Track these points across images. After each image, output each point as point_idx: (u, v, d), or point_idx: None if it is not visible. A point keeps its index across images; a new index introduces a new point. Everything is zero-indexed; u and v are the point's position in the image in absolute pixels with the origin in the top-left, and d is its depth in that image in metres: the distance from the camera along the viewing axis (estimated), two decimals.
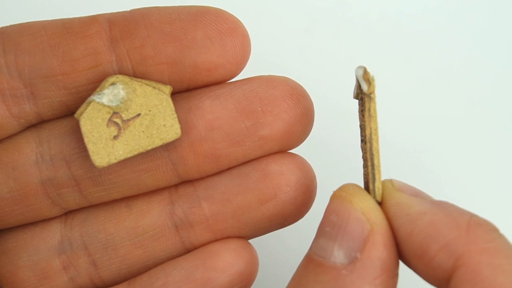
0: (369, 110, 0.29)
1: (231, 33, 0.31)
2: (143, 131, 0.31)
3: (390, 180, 0.30)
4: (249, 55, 0.32)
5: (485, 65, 0.48)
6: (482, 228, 0.26)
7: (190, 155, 0.32)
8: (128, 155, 0.31)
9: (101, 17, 0.31)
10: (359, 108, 0.30)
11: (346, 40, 0.47)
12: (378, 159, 0.30)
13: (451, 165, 0.47)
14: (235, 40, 0.31)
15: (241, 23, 0.31)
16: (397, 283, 0.28)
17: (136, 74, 0.30)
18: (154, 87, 0.30)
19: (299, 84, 0.32)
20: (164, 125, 0.30)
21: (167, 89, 0.30)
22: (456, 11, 0.48)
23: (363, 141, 0.30)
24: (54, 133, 0.32)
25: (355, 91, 0.29)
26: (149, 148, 0.31)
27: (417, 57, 0.47)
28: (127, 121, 0.30)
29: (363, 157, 0.30)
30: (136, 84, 0.30)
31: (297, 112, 0.32)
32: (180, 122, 0.31)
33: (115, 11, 0.31)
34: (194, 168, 0.32)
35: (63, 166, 0.32)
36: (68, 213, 0.34)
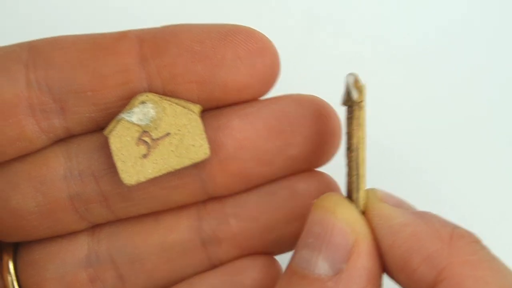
0: (358, 118, 0.29)
1: (261, 53, 0.30)
2: (172, 151, 0.30)
3: (373, 190, 0.29)
4: (279, 75, 0.31)
5: (485, 67, 0.48)
6: (464, 240, 0.26)
7: (219, 173, 0.32)
8: (157, 174, 0.31)
9: (131, 34, 0.31)
10: (346, 115, 0.29)
11: (346, 41, 0.47)
12: (364, 169, 0.29)
13: (446, 169, 0.47)
14: (265, 60, 0.30)
15: (271, 42, 0.31)
16: None
17: (166, 92, 0.30)
18: (184, 107, 0.30)
19: (327, 103, 0.32)
20: (193, 145, 0.30)
21: (197, 108, 0.30)
22: (455, 12, 0.48)
23: (349, 149, 0.29)
24: (83, 148, 0.32)
25: (344, 98, 0.29)
26: (178, 167, 0.31)
27: (417, 57, 0.47)
28: (157, 140, 0.30)
29: (347, 165, 0.29)
30: (166, 103, 0.30)
31: (326, 131, 0.31)
32: (209, 141, 0.31)
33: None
34: (223, 186, 0.32)
35: (91, 182, 0.32)
36: (95, 227, 0.34)
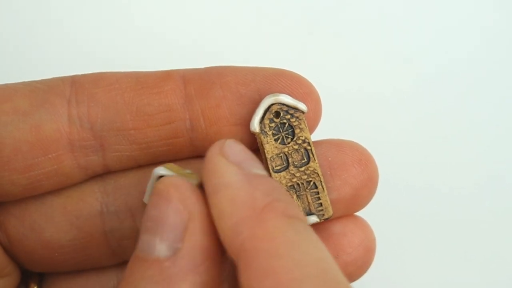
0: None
1: (305, 97, 0.31)
2: None
3: (224, 141, 0.26)
4: (321, 119, 0.32)
5: (485, 68, 0.48)
6: (275, 212, 0.24)
7: None
8: None
9: (176, 73, 0.31)
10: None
11: (346, 41, 0.47)
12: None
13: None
14: (309, 105, 0.31)
15: (314, 87, 0.31)
16: (228, 269, 0.28)
17: (209, 134, 0.31)
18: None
19: (366, 149, 0.32)
20: None
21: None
22: (454, 13, 0.49)
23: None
24: (119, 185, 0.32)
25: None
26: None
27: (416, 57, 0.47)
28: None
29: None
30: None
31: (364, 177, 0.32)
32: None
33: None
34: None
35: (127, 218, 0.32)
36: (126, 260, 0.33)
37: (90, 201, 0.32)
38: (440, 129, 0.46)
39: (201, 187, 0.27)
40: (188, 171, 0.29)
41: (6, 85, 0.31)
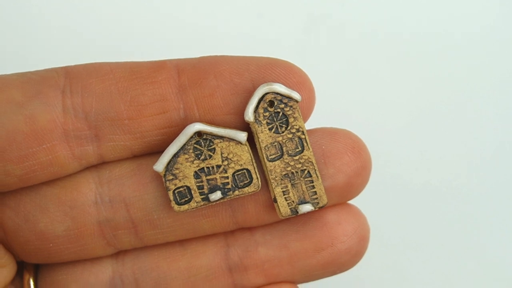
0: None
1: (299, 87, 0.31)
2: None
3: None
4: (314, 108, 0.32)
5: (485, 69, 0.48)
6: None
7: (251, 203, 0.32)
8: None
9: (170, 63, 0.31)
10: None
11: (345, 41, 0.47)
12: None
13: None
14: (302, 94, 0.31)
15: (308, 76, 0.31)
16: None
17: (202, 122, 0.30)
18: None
19: (359, 138, 0.32)
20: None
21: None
22: (453, 13, 0.48)
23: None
24: (114, 175, 0.32)
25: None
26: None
27: (416, 58, 0.48)
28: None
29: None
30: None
31: (358, 165, 0.32)
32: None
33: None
34: (253, 217, 0.32)
35: (122, 208, 0.32)
36: (120, 251, 0.34)
37: (85, 191, 0.31)
38: (435, 120, 0.46)
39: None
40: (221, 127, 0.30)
41: None
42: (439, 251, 0.44)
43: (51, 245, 0.31)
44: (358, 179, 0.32)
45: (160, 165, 0.30)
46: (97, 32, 0.44)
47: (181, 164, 0.30)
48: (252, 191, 0.31)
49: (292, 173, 0.31)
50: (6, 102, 0.29)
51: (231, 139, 0.30)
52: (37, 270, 0.34)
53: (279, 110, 0.30)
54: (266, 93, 0.30)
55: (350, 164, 0.31)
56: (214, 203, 0.31)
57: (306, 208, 0.31)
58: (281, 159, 0.31)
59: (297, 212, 0.31)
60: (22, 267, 0.34)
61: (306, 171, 0.31)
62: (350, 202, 0.33)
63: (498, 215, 0.44)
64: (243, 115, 0.30)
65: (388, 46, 0.46)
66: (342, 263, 0.33)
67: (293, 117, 0.30)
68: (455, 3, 0.47)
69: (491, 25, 0.47)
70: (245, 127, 0.30)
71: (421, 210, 0.44)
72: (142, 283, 0.33)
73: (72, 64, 0.31)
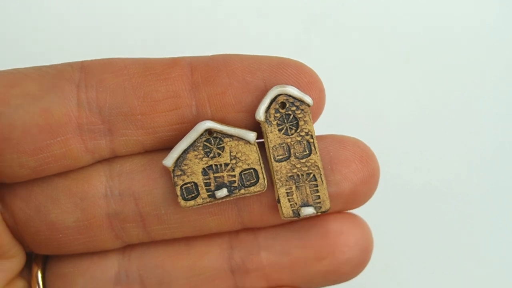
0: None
1: (309, 87, 0.31)
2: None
3: None
4: (323, 108, 0.32)
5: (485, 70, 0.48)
6: None
7: (256, 204, 0.32)
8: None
9: (183, 61, 0.31)
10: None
11: (345, 41, 0.47)
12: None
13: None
14: (313, 94, 0.31)
15: (318, 77, 0.32)
16: None
17: (214, 120, 0.31)
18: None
19: (368, 147, 0.33)
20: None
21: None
22: (452, 14, 0.49)
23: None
24: (125, 169, 0.32)
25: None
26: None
27: (415, 58, 0.48)
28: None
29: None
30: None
31: (365, 174, 0.32)
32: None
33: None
34: (258, 217, 0.33)
35: (131, 202, 0.32)
36: (127, 246, 0.34)
37: (96, 184, 0.32)
38: (435, 120, 0.46)
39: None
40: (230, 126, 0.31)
41: (16, 69, 0.31)
42: (439, 251, 0.44)
43: (60, 235, 0.32)
44: (365, 187, 0.32)
45: (169, 160, 0.30)
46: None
47: (190, 160, 0.31)
48: (258, 191, 0.31)
49: (298, 175, 0.31)
50: (23, 95, 0.30)
51: (240, 139, 0.31)
52: (45, 262, 0.35)
53: (290, 112, 0.31)
54: (279, 95, 0.30)
55: (357, 172, 0.32)
56: (220, 200, 0.31)
57: (308, 211, 0.31)
58: (288, 160, 0.31)
59: (299, 215, 0.31)
60: (31, 259, 0.34)
61: (311, 175, 0.31)
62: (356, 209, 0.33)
63: (498, 215, 0.44)
64: (254, 113, 0.30)
65: (388, 46, 0.46)
66: (343, 273, 0.33)
67: (304, 121, 0.31)
68: (456, 2, 0.48)
69: (493, 25, 0.47)
70: (255, 126, 0.31)
71: (421, 210, 0.45)
72: (147, 280, 0.33)
73: (87, 59, 0.32)
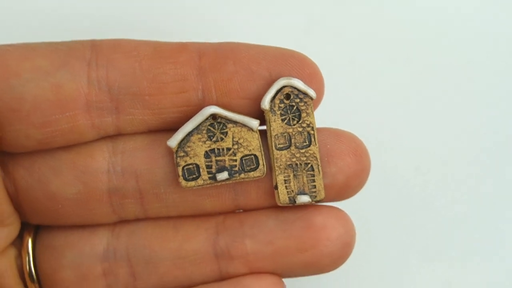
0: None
1: (311, 78, 0.33)
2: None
3: None
4: (322, 98, 0.34)
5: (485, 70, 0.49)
6: None
7: (254, 189, 0.34)
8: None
9: (192, 46, 0.32)
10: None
11: (344, 42, 0.48)
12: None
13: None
14: (313, 85, 0.33)
15: (319, 70, 0.33)
16: None
17: (219, 105, 0.32)
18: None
19: (362, 142, 0.34)
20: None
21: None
22: (452, 14, 0.49)
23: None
24: (128, 147, 0.33)
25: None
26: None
27: (415, 58, 0.48)
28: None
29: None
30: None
31: (358, 168, 0.33)
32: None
33: None
34: (254, 202, 0.34)
35: (132, 179, 0.33)
36: (117, 223, 0.35)
37: (98, 159, 0.33)
38: (436, 120, 0.47)
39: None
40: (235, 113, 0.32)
41: (27, 44, 0.32)
42: (440, 250, 0.45)
43: (60, 206, 0.33)
44: (356, 181, 0.33)
45: (174, 141, 0.32)
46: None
47: (194, 143, 0.32)
48: (257, 176, 0.32)
49: (296, 164, 0.33)
50: (34, 69, 0.30)
51: (243, 125, 0.32)
52: (36, 234, 0.35)
53: (294, 104, 0.32)
54: (285, 86, 0.32)
55: (351, 165, 0.33)
56: (220, 183, 0.32)
57: (304, 199, 0.32)
58: (288, 149, 0.32)
59: (295, 202, 0.32)
60: (23, 229, 0.35)
61: (309, 165, 0.33)
62: (353, 204, 0.35)
63: (498, 215, 0.46)
64: (258, 101, 0.32)
65: (389, 45, 0.47)
66: (324, 265, 0.34)
67: (306, 113, 0.32)
68: (456, 2, 0.48)
69: (493, 24, 0.48)
70: (258, 113, 0.32)
71: (421, 210, 0.45)
72: (133, 258, 0.34)
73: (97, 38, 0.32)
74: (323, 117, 0.35)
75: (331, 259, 0.34)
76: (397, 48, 0.47)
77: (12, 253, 0.34)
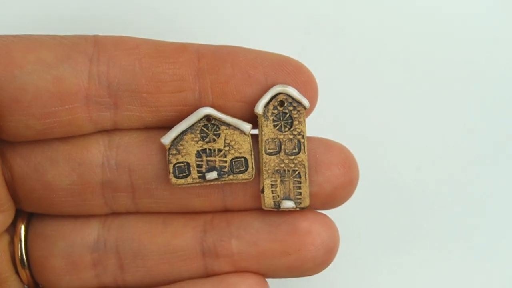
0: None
1: (305, 86, 0.33)
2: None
3: None
4: (315, 106, 0.34)
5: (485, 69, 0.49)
6: None
7: (241, 191, 0.35)
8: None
9: (191, 47, 0.33)
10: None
11: (344, 42, 0.48)
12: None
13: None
14: (308, 92, 0.33)
15: (314, 78, 0.34)
16: None
17: (215, 107, 0.33)
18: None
19: (352, 154, 0.35)
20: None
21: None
22: (452, 14, 0.49)
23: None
24: (124, 142, 0.34)
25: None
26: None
27: (415, 58, 0.48)
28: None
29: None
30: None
31: (346, 179, 0.34)
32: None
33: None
34: (241, 204, 0.35)
35: (125, 173, 0.34)
36: (109, 215, 0.36)
37: (94, 152, 0.34)
38: (436, 120, 0.47)
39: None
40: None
41: (31, 36, 0.33)
42: (439, 251, 0.45)
43: (54, 196, 0.34)
44: (343, 192, 0.34)
45: (167, 139, 0.32)
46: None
47: (186, 142, 0.33)
48: (245, 179, 0.33)
49: (284, 170, 0.33)
50: (37, 61, 0.31)
51: (236, 128, 0.33)
52: (29, 221, 0.36)
53: (287, 111, 0.33)
54: (280, 93, 0.32)
55: (339, 176, 0.34)
56: (209, 183, 0.33)
57: (288, 204, 0.33)
58: (278, 155, 0.33)
59: (279, 207, 0.33)
60: (16, 217, 0.36)
61: (297, 172, 0.33)
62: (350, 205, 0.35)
63: (498, 215, 0.46)
64: (253, 105, 0.32)
65: (389, 45, 0.47)
66: (307, 269, 0.34)
67: (298, 121, 0.33)
68: (456, 3, 0.48)
69: (494, 23, 0.48)
70: (251, 117, 0.33)
71: (421, 209, 0.46)
72: (122, 251, 0.35)
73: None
74: (323, 116, 0.36)
75: (314, 264, 0.34)
76: (397, 48, 0.47)
77: (6, 239, 0.35)
